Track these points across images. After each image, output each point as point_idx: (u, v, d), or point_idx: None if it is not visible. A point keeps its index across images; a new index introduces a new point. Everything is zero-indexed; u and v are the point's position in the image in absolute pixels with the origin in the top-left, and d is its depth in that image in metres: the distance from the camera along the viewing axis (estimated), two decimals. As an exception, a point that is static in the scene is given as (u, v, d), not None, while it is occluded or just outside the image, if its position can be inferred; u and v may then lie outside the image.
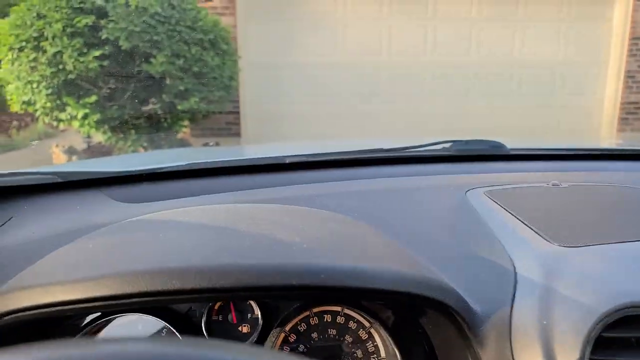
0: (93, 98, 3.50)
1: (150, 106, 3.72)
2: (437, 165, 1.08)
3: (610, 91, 5.38)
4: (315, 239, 0.58)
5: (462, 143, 1.11)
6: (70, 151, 3.67)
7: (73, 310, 0.48)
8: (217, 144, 4.70)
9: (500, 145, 1.10)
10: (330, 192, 0.87)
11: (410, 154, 1.09)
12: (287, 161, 1.00)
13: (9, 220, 0.78)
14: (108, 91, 3.64)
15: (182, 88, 3.69)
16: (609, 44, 5.33)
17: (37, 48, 3.46)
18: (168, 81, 3.67)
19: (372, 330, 0.63)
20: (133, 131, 3.95)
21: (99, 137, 4.20)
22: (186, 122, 4.10)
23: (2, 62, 3.69)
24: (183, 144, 4.62)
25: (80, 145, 4.45)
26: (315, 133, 5.29)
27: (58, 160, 3.64)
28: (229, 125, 5.09)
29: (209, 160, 1.03)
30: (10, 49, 3.55)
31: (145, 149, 4.21)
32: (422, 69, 5.30)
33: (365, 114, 5.35)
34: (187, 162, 0.99)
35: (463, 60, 5.29)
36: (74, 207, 0.82)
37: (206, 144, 4.64)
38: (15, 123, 6.21)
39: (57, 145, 3.71)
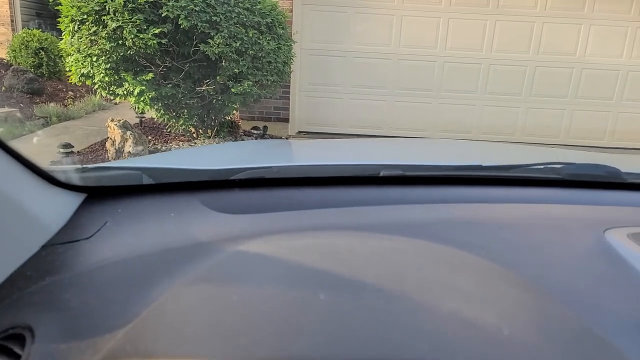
0: (150, 75, 3.54)
1: (204, 87, 3.73)
2: (546, 190, 0.96)
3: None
4: (507, 318, 0.47)
5: (575, 167, 1.00)
6: (125, 125, 3.73)
7: None
8: (265, 128, 4.70)
9: (617, 172, 0.98)
10: (444, 220, 0.76)
11: (515, 176, 0.97)
12: (381, 174, 0.91)
13: (104, 225, 0.75)
14: (164, 70, 3.67)
15: (236, 70, 3.67)
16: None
17: (98, 22, 3.52)
18: (224, 63, 3.66)
19: None
20: (186, 110, 3.98)
21: (152, 114, 4.27)
22: (237, 105, 4.09)
23: (63, 34, 3.77)
24: (232, 126, 4.63)
25: (133, 120, 4.54)
26: (364, 124, 5.20)
27: (113, 133, 3.72)
28: (277, 110, 5.07)
29: (299, 165, 0.95)
30: (72, 20, 3.62)
31: (196, 128, 4.24)
32: (478, 64, 5.10)
33: (417, 108, 5.21)
34: (269, 166, 0.93)
35: (521, 57, 5.05)
36: (167, 215, 0.78)
37: (255, 128, 4.64)
38: (70, 93, 6.42)
39: (112, 119, 3.79)
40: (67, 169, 0.83)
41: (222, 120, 4.45)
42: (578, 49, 5.04)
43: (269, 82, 3.96)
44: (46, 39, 6.57)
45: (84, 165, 0.88)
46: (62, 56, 4.26)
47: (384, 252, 0.60)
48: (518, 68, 5.09)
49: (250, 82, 3.73)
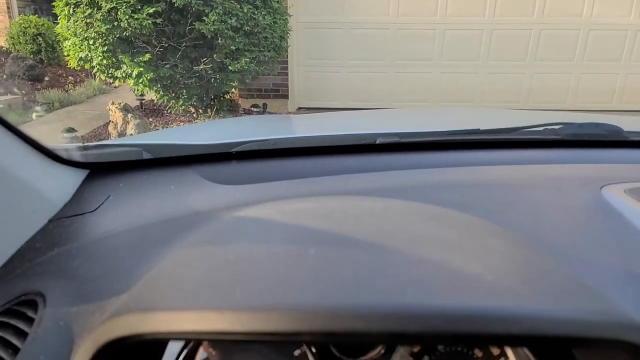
0: (147, 57, 3.52)
1: (202, 66, 3.70)
2: (544, 151, 0.94)
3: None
4: (491, 267, 0.48)
5: (575, 127, 0.97)
6: (125, 108, 3.74)
7: (210, 338, 0.44)
8: (265, 106, 4.68)
9: (618, 130, 0.96)
10: (439, 182, 0.76)
11: (512, 138, 0.96)
12: (377, 142, 0.91)
13: (107, 199, 0.77)
14: (161, 50, 3.65)
15: (233, 48, 3.64)
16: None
17: (92, 4, 3.48)
18: (220, 41, 3.62)
19: None
20: (184, 91, 3.97)
21: (151, 95, 4.26)
22: (235, 83, 4.07)
23: (59, 18, 3.75)
24: (232, 105, 4.62)
25: (134, 103, 4.54)
26: (364, 96, 5.15)
27: (114, 116, 3.74)
28: (276, 87, 5.04)
29: (296, 137, 0.95)
30: (67, 4, 3.59)
31: (196, 108, 4.24)
32: (480, 30, 4.98)
33: (418, 78, 5.13)
34: (266, 138, 0.94)
35: (525, 21, 4.92)
36: (167, 188, 0.80)
37: (255, 105, 4.63)
38: (70, 79, 6.42)
39: (112, 103, 3.80)
40: (69, 147, 0.85)
41: (221, 99, 4.44)
42: (584, 10, 4.89)
43: (266, 58, 3.92)
44: (43, 25, 6.53)
45: (86, 144, 0.90)
46: (59, 41, 4.25)
47: (376, 212, 0.61)
48: (522, 32, 4.97)
49: (247, 59, 3.70)
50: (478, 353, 0.59)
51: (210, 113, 4.35)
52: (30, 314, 0.53)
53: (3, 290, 0.57)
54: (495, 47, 5.03)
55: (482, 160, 0.88)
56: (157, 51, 3.64)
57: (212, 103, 4.34)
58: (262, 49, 3.84)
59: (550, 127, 0.97)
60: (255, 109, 4.56)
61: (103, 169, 0.87)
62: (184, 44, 3.65)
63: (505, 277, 0.46)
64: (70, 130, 3.52)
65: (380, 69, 5.11)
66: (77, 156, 0.84)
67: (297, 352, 0.56)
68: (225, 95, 4.48)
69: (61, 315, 0.51)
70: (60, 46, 5.02)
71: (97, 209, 0.74)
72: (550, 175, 0.79)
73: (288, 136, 0.96)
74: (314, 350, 0.57)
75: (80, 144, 0.89)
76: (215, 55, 3.69)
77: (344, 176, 0.80)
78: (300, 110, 5.21)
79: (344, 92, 5.19)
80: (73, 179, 0.83)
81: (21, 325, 0.51)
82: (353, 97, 5.19)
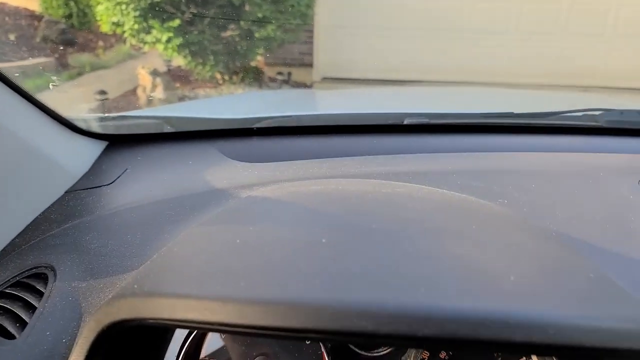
0: (176, 22, 3.61)
1: (229, 33, 3.77)
2: (582, 138, 0.89)
3: None
4: (516, 266, 0.44)
5: (616, 114, 0.91)
6: (155, 73, 3.87)
7: (219, 330, 0.43)
8: (289, 74, 4.74)
9: None
10: (467, 168, 0.71)
11: (548, 123, 0.90)
12: (405, 122, 0.87)
13: (125, 172, 0.76)
14: (190, 16, 3.72)
15: (260, 15, 3.69)
16: None
17: (124, -31, 3.57)
18: (247, 8, 3.67)
19: None
20: (211, 57, 4.05)
21: (179, 61, 4.37)
22: (261, 51, 4.13)
23: (91, -18, 3.85)
24: (257, 72, 4.69)
25: (161, 69, 4.66)
26: (392, 69, 5.14)
27: (144, 80, 3.87)
28: (302, 56, 5.07)
29: (319, 114, 0.91)
30: (100, -32, 3.69)
31: (222, 75, 4.33)
32: (507, 2, 4.87)
33: (449, 50, 5.08)
34: (289, 115, 0.91)
35: None
36: (186, 162, 0.78)
37: (280, 73, 4.69)
38: (100, 43, 6.56)
39: (142, 67, 3.92)
40: (88, 117, 0.84)
41: (247, 66, 4.51)
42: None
43: (292, 26, 3.96)
44: (74, -11, 6.64)
45: (105, 114, 0.89)
46: (91, 6, 4.36)
47: (396, 199, 0.57)
48: (549, 5, 4.84)
49: (274, 27, 3.75)
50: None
51: (235, 80, 4.44)
52: (39, 287, 0.52)
53: (16, 261, 0.57)
54: (522, 20, 4.92)
55: (515, 146, 0.84)
56: (186, 17, 3.72)
57: (237, 70, 4.42)
58: (288, 17, 3.88)
59: (589, 113, 0.92)
60: (280, 77, 4.63)
61: (122, 141, 0.86)
62: (212, 10, 3.72)
63: (530, 277, 0.42)
64: (102, 92, 3.67)
65: (411, 40, 5.07)
66: (96, 127, 0.83)
67: (309, 342, 0.54)
68: (251, 63, 4.55)
69: (70, 290, 0.51)
70: (91, 11, 5.14)
71: (114, 181, 0.73)
72: (586, 165, 0.75)
73: (311, 113, 0.94)
74: (328, 344, 0.55)
75: (100, 115, 0.88)
76: (242, 23, 3.75)
77: (367, 157, 0.76)
78: (326, 80, 5.25)
79: (371, 63, 5.18)
80: (91, 150, 0.81)
81: (30, 298, 0.51)
82: (381, 68, 5.18)
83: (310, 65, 5.12)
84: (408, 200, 0.57)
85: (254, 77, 4.67)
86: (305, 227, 0.49)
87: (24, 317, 0.49)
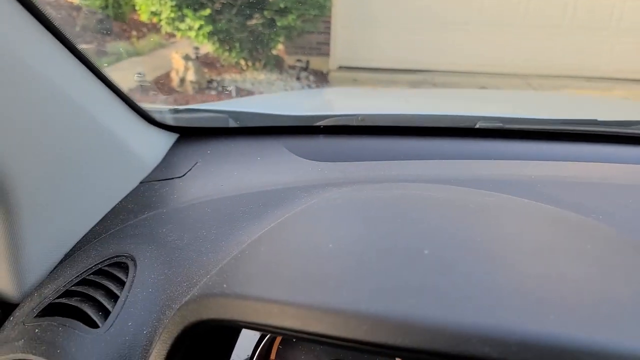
0: (207, 11, 4.03)
1: (254, 21, 4.18)
2: None
3: None
4: (608, 293, 0.38)
5: None
6: (187, 58, 4.30)
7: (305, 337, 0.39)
8: (307, 62, 5.12)
9: None
10: (552, 178, 0.67)
11: (632, 133, 0.83)
12: (477, 126, 0.83)
13: (195, 165, 0.77)
14: (220, 5, 4.15)
15: (282, 5, 4.08)
16: None
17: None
18: (270, -1, 4.08)
19: None
20: (237, 44, 4.47)
21: (207, 49, 4.79)
22: (282, 39, 4.52)
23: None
24: (277, 60, 5.09)
25: (192, 55, 5.10)
26: (406, 60, 5.46)
27: (177, 64, 4.31)
28: (319, 45, 5.44)
29: (384, 114, 0.90)
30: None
31: (246, 61, 4.74)
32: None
33: (463, 44, 5.37)
34: (353, 114, 0.90)
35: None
36: (254, 158, 0.79)
37: (299, 60, 5.07)
38: (134, 33, 7.06)
39: (176, 52, 4.36)
40: (162, 109, 0.84)
41: (269, 54, 4.92)
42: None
43: (311, 17, 4.34)
44: (110, -18, 7.15)
45: (176, 107, 0.89)
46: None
47: (482, 209, 0.52)
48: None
49: (294, 16, 4.14)
50: None
51: (258, 66, 4.85)
52: (121, 276, 0.52)
53: (97, 249, 0.57)
54: (533, 14, 5.18)
55: (602, 156, 0.79)
56: (216, 6, 4.14)
57: (260, 57, 4.83)
58: (307, 8, 4.26)
59: None
60: (299, 64, 5.01)
61: (192, 134, 0.86)
62: (239, 0, 4.13)
63: (627, 304, 0.37)
64: (141, 74, 4.13)
65: (425, 31, 5.36)
66: (169, 119, 0.84)
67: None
68: (272, 51, 4.95)
69: (150, 281, 0.51)
70: (125, 2, 5.62)
71: (185, 174, 0.74)
72: None
73: (377, 112, 0.93)
74: None
75: (172, 107, 0.88)
76: (265, 12, 4.15)
77: (438, 161, 0.73)
78: (342, 69, 5.60)
79: (386, 53, 5.51)
80: (164, 142, 0.82)
81: (112, 287, 0.50)
82: (396, 59, 5.50)
83: (327, 54, 5.48)
84: (503, 212, 0.52)
85: (275, 64, 5.07)
86: (402, 236, 0.46)
87: (106, 305, 0.49)
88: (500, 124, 0.84)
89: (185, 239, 0.57)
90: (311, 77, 5.00)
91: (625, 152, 0.81)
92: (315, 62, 5.40)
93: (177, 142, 0.85)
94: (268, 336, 0.52)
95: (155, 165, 0.77)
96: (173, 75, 4.41)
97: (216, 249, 0.54)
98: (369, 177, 0.69)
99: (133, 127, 0.73)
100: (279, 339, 0.53)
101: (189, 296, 0.44)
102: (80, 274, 0.51)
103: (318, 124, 0.86)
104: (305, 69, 5.04)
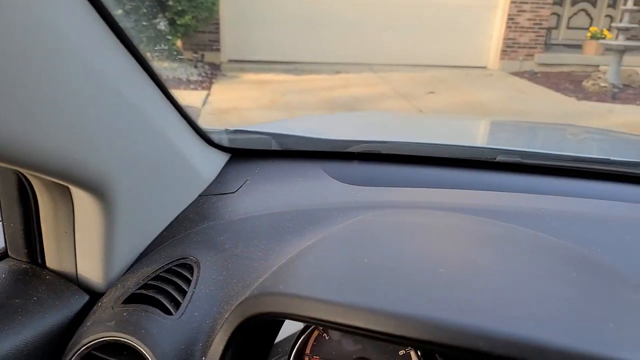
0: (118, 12, 5.13)
1: (158, 20, 5.38)
2: None
3: (496, 30, 7.26)
4: (619, 317, 0.44)
5: None
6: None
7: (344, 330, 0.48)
8: (202, 56, 6.39)
9: None
10: (559, 212, 0.72)
11: (630, 172, 0.87)
12: (497, 159, 0.89)
13: (245, 182, 0.84)
14: (128, 8, 5.27)
15: (179, 8, 5.35)
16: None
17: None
18: (170, 2, 5.32)
19: None
20: (144, 40, 5.60)
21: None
22: (180, 35, 5.74)
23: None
24: (177, 53, 6.28)
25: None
26: (287, 53, 6.85)
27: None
28: (211, 42, 6.74)
29: (415, 143, 1.01)
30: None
31: (152, 54, 5.83)
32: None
33: (325, 41, 6.92)
34: (385, 140, 1.00)
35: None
36: (295, 180, 0.86)
37: (195, 53, 6.31)
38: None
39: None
40: (218, 130, 0.93)
41: (170, 49, 6.11)
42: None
43: (203, 17, 5.65)
44: None
45: (227, 128, 0.98)
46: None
47: (491, 237, 0.60)
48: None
49: (189, 17, 5.42)
50: None
51: (162, 58, 6.01)
52: (187, 274, 0.60)
53: (167, 251, 0.65)
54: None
55: (614, 194, 0.83)
56: (126, 8, 5.25)
57: (162, 52, 5.99)
58: (199, 10, 5.58)
59: None
60: (195, 55, 6.28)
61: (242, 154, 0.95)
62: (146, 2, 5.31)
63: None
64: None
65: (307, 32, 6.86)
66: (224, 140, 0.92)
67: (401, 352, 0.59)
68: (173, 46, 6.14)
69: (212, 281, 0.59)
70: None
71: (237, 190, 0.82)
72: None
73: (406, 141, 1.02)
74: (419, 353, 0.58)
75: (225, 128, 0.97)
76: (167, 13, 5.38)
77: (457, 191, 0.80)
78: (231, 62, 6.92)
79: (268, 49, 6.89)
80: (219, 160, 0.91)
81: (181, 283, 0.58)
82: (276, 53, 6.90)
83: (218, 49, 6.81)
84: (509, 241, 0.60)
85: (175, 57, 6.25)
86: (423, 255, 0.55)
87: (177, 297, 0.56)
88: (519, 159, 0.90)
89: (239, 247, 0.65)
90: (206, 67, 6.30)
91: (634, 191, 0.85)
92: (210, 57, 6.68)
93: (230, 161, 0.93)
94: (306, 333, 0.62)
95: (211, 181, 0.85)
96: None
97: (266, 257, 0.62)
98: (396, 203, 0.77)
99: (194, 145, 0.80)
100: (314, 337, 0.62)
101: (247, 294, 0.53)
102: (155, 271, 0.60)
103: (352, 149, 0.95)
104: (201, 60, 6.30)
